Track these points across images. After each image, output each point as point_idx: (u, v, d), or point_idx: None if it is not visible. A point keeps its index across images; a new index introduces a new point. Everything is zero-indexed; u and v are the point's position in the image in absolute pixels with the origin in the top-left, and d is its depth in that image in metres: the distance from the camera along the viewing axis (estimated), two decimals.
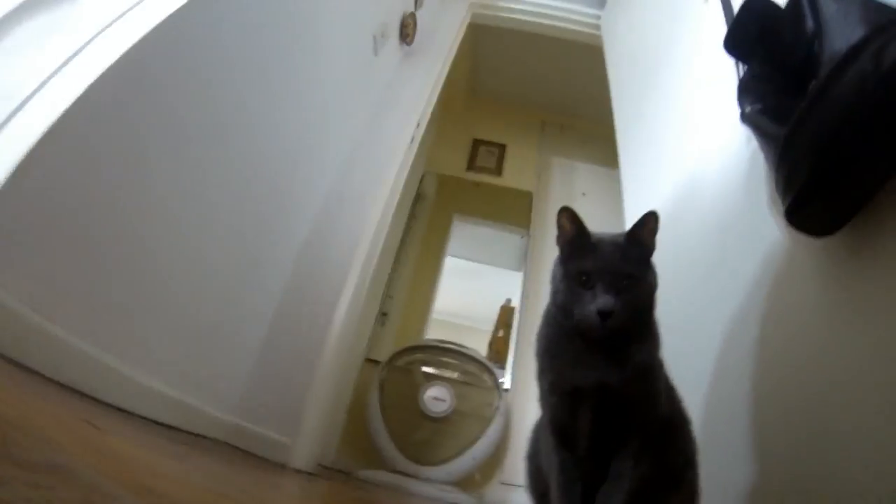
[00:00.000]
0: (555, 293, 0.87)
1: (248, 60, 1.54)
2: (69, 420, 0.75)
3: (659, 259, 0.87)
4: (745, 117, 1.27)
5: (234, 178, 1.60)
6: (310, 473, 1.71)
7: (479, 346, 3.60)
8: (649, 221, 0.86)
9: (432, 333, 3.58)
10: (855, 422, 0.97)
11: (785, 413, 1.15)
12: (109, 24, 1.07)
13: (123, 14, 1.09)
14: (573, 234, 0.87)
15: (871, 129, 0.88)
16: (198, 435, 1.57)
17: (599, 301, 0.78)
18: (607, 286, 0.80)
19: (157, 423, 1.36)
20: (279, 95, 1.78)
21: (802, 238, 1.11)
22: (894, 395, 0.90)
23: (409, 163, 2.31)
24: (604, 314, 0.78)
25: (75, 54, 1.02)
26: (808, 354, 1.12)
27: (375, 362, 3.11)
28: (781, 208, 1.11)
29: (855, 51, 0.89)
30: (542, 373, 0.89)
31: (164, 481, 0.66)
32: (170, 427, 1.42)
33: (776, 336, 1.24)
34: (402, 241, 3.66)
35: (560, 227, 0.89)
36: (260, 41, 1.57)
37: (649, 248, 0.88)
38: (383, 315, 3.47)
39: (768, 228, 1.31)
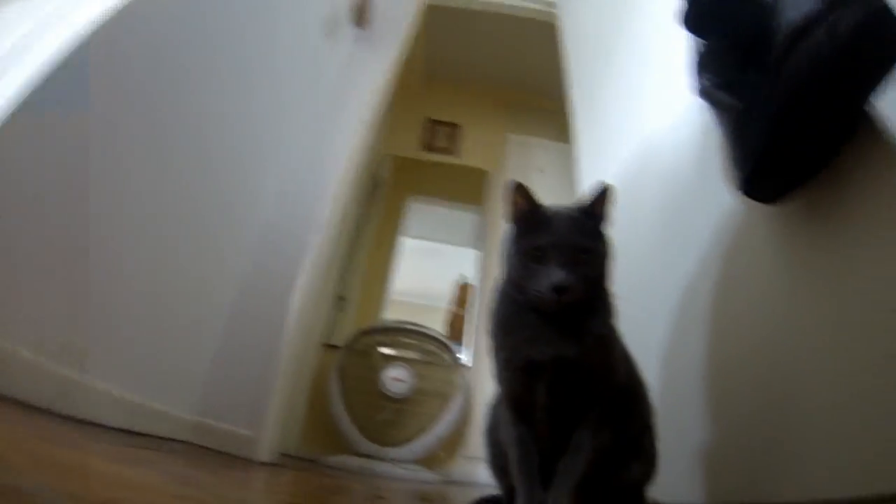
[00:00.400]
0: (508, 269, 0.86)
1: (197, 52, 1.49)
2: (21, 437, 0.71)
3: (614, 230, 0.87)
4: (701, 92, 1.28)
5: (184, 170, 1.55)
6: (275, 465, 1.68)
7: (438, 324, 3.61)
8: (603, 193, 0.85)
9: (391, 315, 3.57)
10: (809, 382, 1.00)
11: (741, 376, 1.19)
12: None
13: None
14: (525, 208, 0.86)
15: (826, 100, 0.89)
16: (164, 438, 1.53)
17: (554, 276, 0.77)
18: (562, 261, 0.79)
19: (120, 430, 1.32)
20: (230, 84, 1.72)
21: (756, 206, 1.13)
22: (846, 355, 0.93)
23: (365, 146, 2.26)
24: (559, 289, 0.77)
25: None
26: (763, 318, 1.16)
27: (335, 347, 3.08)
28: (737, 179, 1.13)
29: (810, 23, 0.90)
30: (497, 349, 0.88)
31: (129, 492, 0.63)
32: (134, 433, 1.38)
33: (731, 302, 1.27)
34: (358, 224, 3.62)
35: (513, 202, 0.86)
36: (208, 30, 1.52)
37: (604, 220, 0.87)
38: (341, 299, 3.44)
39: (722, 198, 1.33)
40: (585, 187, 2.20)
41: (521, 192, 0.85)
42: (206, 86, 1.59)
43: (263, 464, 1.63)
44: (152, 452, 1.21)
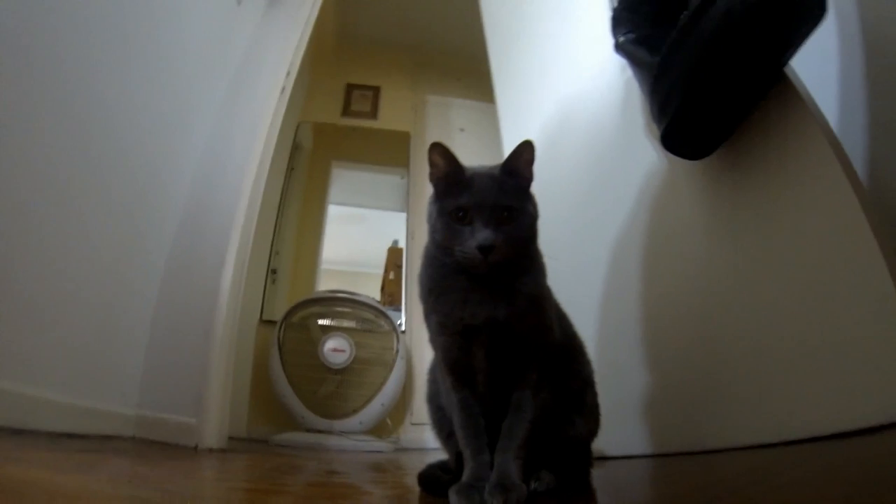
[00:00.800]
0: (433, 232, 0.86)
1: (99, 19, 1.42)
2: None
3: (539, 188, 0.88)
4: (618, 47, 1.30)
5: (96, 154, 1.46)
6: (223, 450, 1.65)
7: (373, 290, 3.60)
8: (525, 151, 0.84)
9: (324, 285, 3.52)
10: (734, 322, 1.07)
11: (674, 327, 1.25)
12: None
13: None
14: (446, 169, 0.85)
15: (738, 58, 0.93)
16: (108, 437, 1.49)
17: (479, 236, 0.77)
18: (486, 220, 0.78)
19: (62, 435, 1.28)
20: (136, 58, 1.62)
21: (678, 161, 1.18)
22: (765, 296, 0.99)
23: (282, 113, 2.17)
24: (484, 249, 0.76)
25: None
26: (690, 268, 1.21)
27: (272, 322, 3.02)
28: (657, 134, 1.16)
29: None
30: (429, 314, 0.87)
31: (61, 501, 0.60)
32: (76, 436, 1.33)
33: (659, 254, 1.33)
34: (283, 195, 3.54)
35: (432, 163, 0.86)
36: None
37: (526, 178, 0.86)
38: (273, 273, 3.37)
39: (644, 153, 1.37)
40: (508, 145, 2.20)
41: (441, 153, 0.84)
42: (103, 56, 1.50)
43: (212, 450, 1.60)
44: (95, 455, 1.17)
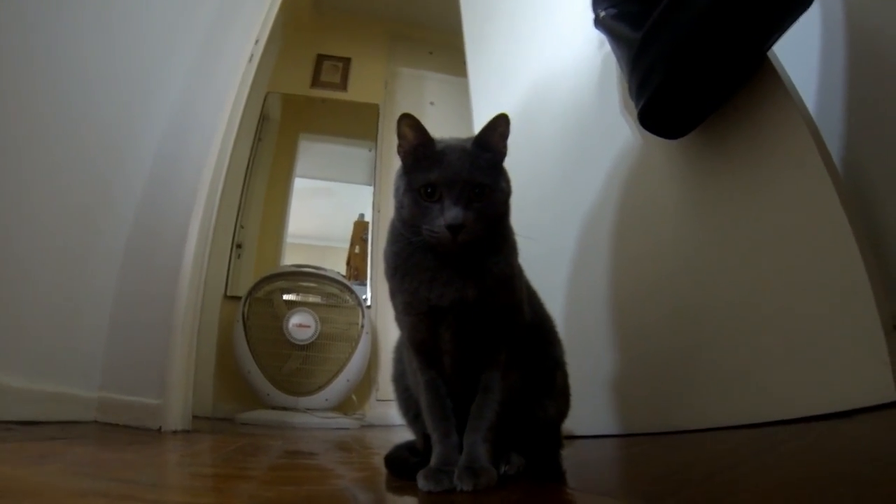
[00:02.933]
0: (399, 208, 0.81)
1: None
2: None
3: (511, 164, 0.84)
4: (598, 22, 1.27)
5: (48, 126, 1.39)
6: (188, 431, 1.61)
7: (339, 264, 3.56)
8: (499, 124, 0.80)
9: (291, 259, 3.49)
10: (705, 302, 1.07)
11: (647, 306, 1.24)
12: None
13: None
14: (416, 142, 0.80)
15: (724, 38, 0.91)
16: (70, 423, 1.45)
17: (448, 214, 0.73)
18: (456, 197, 0.75)
19: (19, 423, 1.24)
20: (95, 22, 1.53)
21: (654, 140, 1.17)
22: (737, 276, 1.00)
23: (249, 83, 2.10)
24: (454, 228, 0.73)
25: None
26: (661, 246, 1.21)
27: (237, 298, 2.97)
28: (634, 112, 1.15)
29: None
30: (395, 293, 0.84)
31: (27, 499, 0.57)
32: (36, 424, 1.29)
33: (630, 232, 1.32)
34: (249, 167, 3.47)
35: (401, 135, 0.80)
36: None
37: (500, 152, 0.82)
38: (238, 247, 3.31)
39: (620, 131, 1.36)
40: (479, 120, 2.17)
41: (410, 124, 0.79)
42: (58, 21, 1.41)
43: (175, 432, 1.56)
44: (58, 443, 1.13)
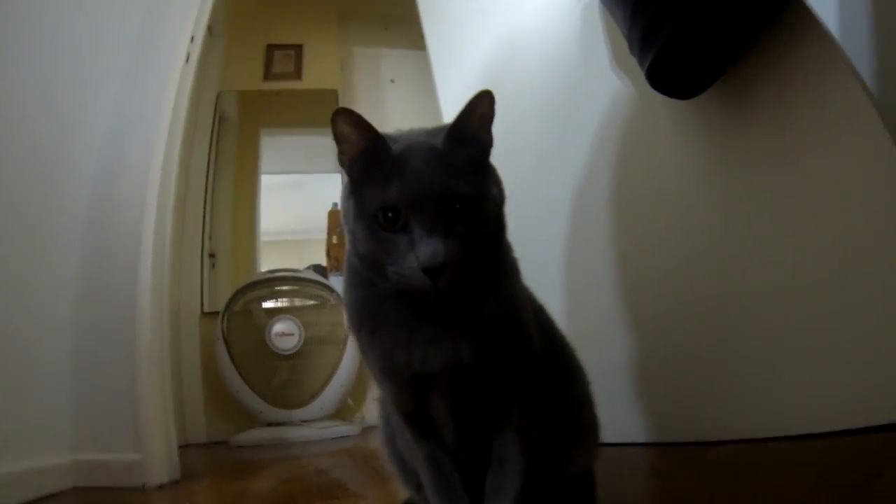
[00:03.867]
0: (353, 240, 0.60)
1: None
2: None
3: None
4: None
5: None
6: (175, 482, 1.48)
7: (320, 257, 3.44)
8: (479, 104, 0.58)
9: (267, 258, 3.38)
10: (732, 287, 0.93)
11: (656, 286, 1.11)
12: None
13: None
14: (362, 144, 0.58)
15: None
16: (45, 498, 1.32)
17: (423, 252, 0.52)
18: (430, 223, 0.54)
19: None
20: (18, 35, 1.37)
21: (657, 98, 0.98)
22: (771, 252, 0.86)
23: (189, 84, 1.91)
24: (433, 271, 0.52)
25: None
26: (677, 221, 1.05)
27: (215, 314, 2.83)
28: (629, 67, 0.99)
29: None
30: (365, 352, 0.64)
31: None
32: None
33: (638, 210, 1.16)
34: (210, 173, 3.34)
35: (340, 138, 0.58)
36: None
37: (484, 143, 0.61)
38: (211, 256, 3.17)
39: (612, 90, 1.19)
40: (444, 93, 2.02)
41: (350, 121, 0.57)
42: None
43: (162, 487, 1.43)
44: None
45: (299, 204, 4.07)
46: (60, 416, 1.48)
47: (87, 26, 1.79)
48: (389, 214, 0.54)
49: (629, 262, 1.19)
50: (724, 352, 0.96)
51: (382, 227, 0.55)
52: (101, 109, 1.81)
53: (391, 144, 0.57)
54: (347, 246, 0.63)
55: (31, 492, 1.29)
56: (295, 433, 2.45)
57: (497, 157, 0.62)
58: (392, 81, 3.74)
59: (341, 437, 2.46)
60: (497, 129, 0.59)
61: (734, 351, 0.93)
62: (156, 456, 1.45)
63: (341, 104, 3.53)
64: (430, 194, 0.54)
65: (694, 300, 1.02)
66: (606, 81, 1.20)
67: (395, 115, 3.48)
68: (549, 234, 1.39)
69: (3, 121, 1.40)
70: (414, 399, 0.62)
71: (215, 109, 3.45)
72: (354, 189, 0.59)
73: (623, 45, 1.00)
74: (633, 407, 1.16)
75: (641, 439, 1.13)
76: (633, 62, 0.97)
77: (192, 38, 1.97)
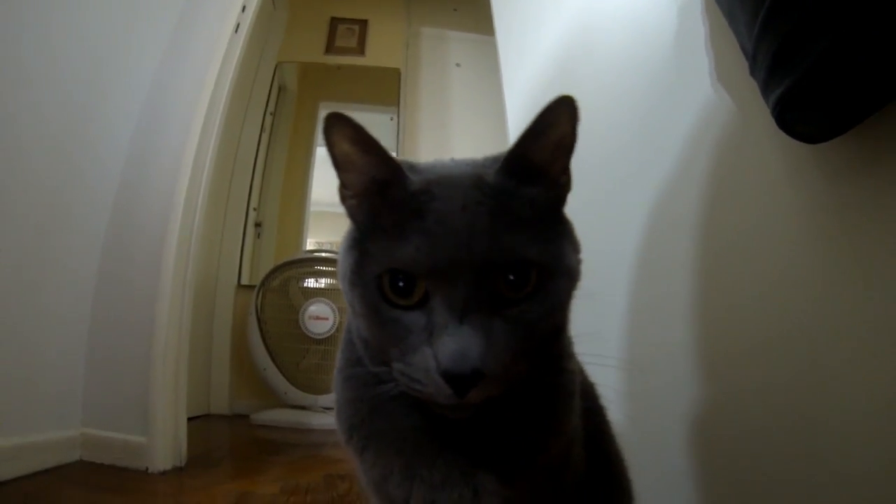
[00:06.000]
0: (355, 315, 0.43)
1: None
2: None
3: None
4: None
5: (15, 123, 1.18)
6: (179, 469, 1.43)
7: None
8: (557, 119, 0.39)
9: (316, 230, 3.32)
10: (850, 370, 0.73)
11: (740, 351, 0.92)
12: None
13: None
14: (370, 175, 0.40)
15: None
16: (51, 469, 1.31)
17: (446, 347, 0.35)
18: (462, 302, 0.36)
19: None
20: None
21: (763, 121, 0.74)
22: (883, 355, 0.67)
23: (237, 55, 1.84)
24: (459, 380, 0.35)
25: None
26: (775, 279, 0.84)
27: (251, 287, 2.80)
28: (739, 84, 0.79)
29: None
30: (366, 472, 0.47)
31: None
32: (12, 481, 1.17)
33: (729, 252, 0.95)
34: (264, 143, 3.30)
35: (341, 162, 0.42)
36: None
37: (558, 183, 0.43)
38: (257, 226, 3.14)
39: (710, 107, 0.99)
40: (508, 83, 1.87)
41: (354, 139, 0.40)
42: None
43: (164, 473, 1.38)
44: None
45: None
46: (73, 391, 1.46)
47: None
48: (400, 283, 0.38)
49: (703, 323, 0.99)
50: (822, 451, 0.79)
51: (389, 299, 0.38)
52: (140, 77, 1.76)
53: (411, 174, 0.40)
54: (349, 319, 0.47)
55: (35, 464, 1.28)
56: (317, 419, 2.40)
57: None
58: (458, 65, 3.61)
59: None
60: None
61: (839, 449, 0.77)
62: (160, 443, 1.41)
63: (403, 84, 3.48)
64: (465, 256, 0.35)
65: (772, 386, 0.83)
66: (703, 98, 1.00)
67: (458, 101, 3.41)
68: (613, 268, 1.21)
69: (40, 83, 1.35)
70: None
71: (272, 80, 3.40)
72: (358, 241, 0.42)
73: (732, 57, 0.79)
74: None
75: None
76: (741, 79, 0.75)
77: (244, 8, 1.89)
